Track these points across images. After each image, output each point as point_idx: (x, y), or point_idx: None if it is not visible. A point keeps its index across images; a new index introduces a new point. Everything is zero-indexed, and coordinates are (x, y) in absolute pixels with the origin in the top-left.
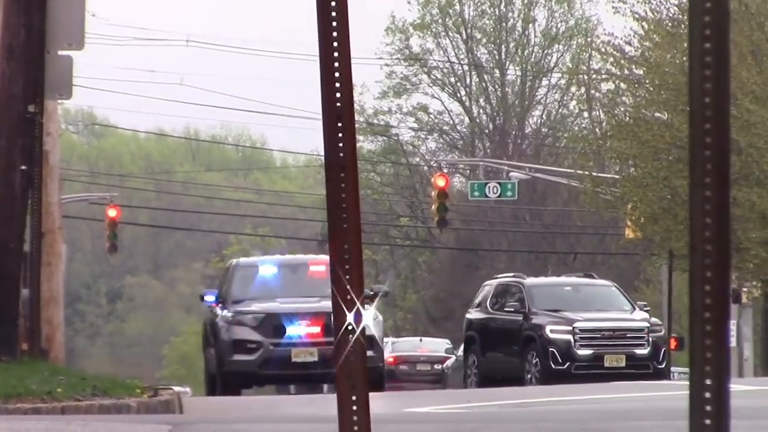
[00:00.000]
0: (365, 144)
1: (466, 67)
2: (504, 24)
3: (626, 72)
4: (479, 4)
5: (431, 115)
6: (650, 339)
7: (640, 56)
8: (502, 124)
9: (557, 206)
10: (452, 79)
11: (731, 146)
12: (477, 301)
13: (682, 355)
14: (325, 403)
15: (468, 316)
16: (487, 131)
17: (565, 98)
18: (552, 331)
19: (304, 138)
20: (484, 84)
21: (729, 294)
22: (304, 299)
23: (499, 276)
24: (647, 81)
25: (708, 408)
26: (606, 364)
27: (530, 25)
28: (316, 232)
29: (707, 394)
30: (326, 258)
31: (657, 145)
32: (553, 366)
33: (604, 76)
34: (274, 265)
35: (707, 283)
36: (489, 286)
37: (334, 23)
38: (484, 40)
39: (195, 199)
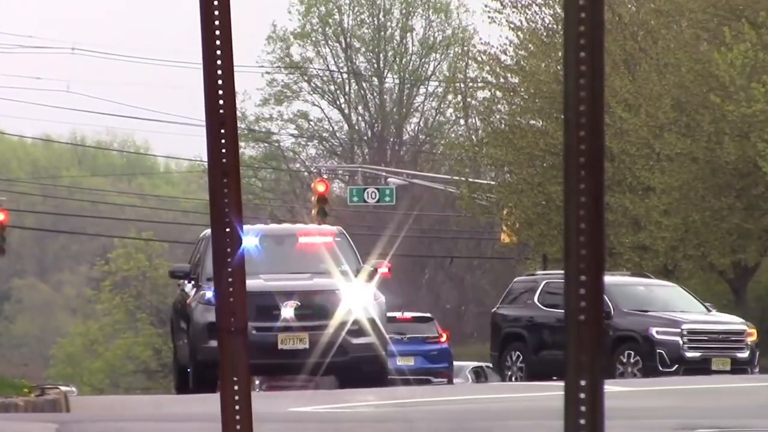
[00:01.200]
0: (247, 150)
1: (345, 76)
2: (382, 33)
3: (502, 80)
4: (358, 13)
5: (311, 122)
6: (747, 342)
7: (516, 65)
8: (381, 131)
9: (434, 211)
10: (332, 87)
11: (605, 153)
12: (513, 297)
13: None
14: (212, 402)
15: (502, 312)
16: (365, 138)
17: (442, 106)
18: (659, 333)
19: (187, 144)
20: (363, 92)
21: (603, 297)
22: (292, 276)
23: (538, 273)
24: (522, 89)
25: (583, 408)
26: (713, 368)
27: (408, 34)
28: (199, 236)
29: (582, 395)
30: (318, 228)
31: (532, 152)
32: (660, 368)
33: (480, 85)
34: (255, 236)
35: (582, 287)
36: (531, 282)
37: (217, 32)
38: (363, 49)
39: (81, 204)
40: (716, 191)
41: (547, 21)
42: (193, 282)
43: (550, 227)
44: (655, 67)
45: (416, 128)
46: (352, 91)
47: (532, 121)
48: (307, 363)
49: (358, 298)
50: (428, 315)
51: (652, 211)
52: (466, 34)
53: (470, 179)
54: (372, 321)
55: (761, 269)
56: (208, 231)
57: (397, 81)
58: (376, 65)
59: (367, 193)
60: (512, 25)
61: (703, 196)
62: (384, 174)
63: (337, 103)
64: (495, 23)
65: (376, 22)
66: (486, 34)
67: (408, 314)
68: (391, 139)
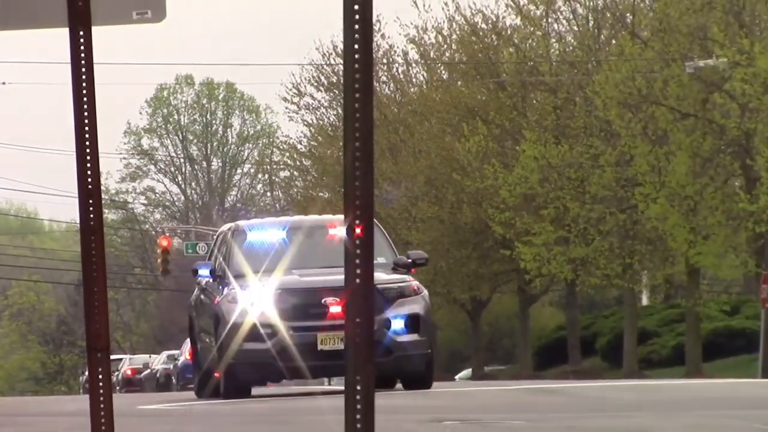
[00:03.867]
0: (109, 215)
1: (182, 160)
2: (210, 128)
3: (298, 163)
4: (191, 114)
5: (157, 194)
6: None
7: (309, 152)
8: (208, 201)
9: None
10: (172, 168)
11: (374, 216)
12: None
13: None
14: (82, 401)
15: None
16: (197, 206)
17: (253, 182)
18: None
19: (65, 210)
20: (195, 172)
21: (373, 324)
22: (327, 270)
23: None
24: (313, 170)
25: (359, 406)
26: None
27: (228, 129)
28: (74, 278)
29: (358, 396)
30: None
31: None
32: None
33: (282, 167)
34: (282, 229)
35: (358, 316)
36: None
37: (87, 128)
38: (195, 140)
39: None
40: (458, 245)
41: (331, 119)
42: (218, 280)
43: None
44: (412, 153)
45: (235, 199)
46: (187, 171)
47: (321, 194)
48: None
49: (401, 292)
50: None
51: None
52: (271, 129)
53: None
54: (416, 317)
55: (492, 303)
56: (230, 224)
57: (220, 164)
58: (205, 152)
59: (199, 246)
60: (306, 123)
61: (448, 249)
62: (211, 233)
63: (176, 180)
64: (293, 121)
65: (204, 120)
66: (286, 128)
67: None
68: (216, 207)
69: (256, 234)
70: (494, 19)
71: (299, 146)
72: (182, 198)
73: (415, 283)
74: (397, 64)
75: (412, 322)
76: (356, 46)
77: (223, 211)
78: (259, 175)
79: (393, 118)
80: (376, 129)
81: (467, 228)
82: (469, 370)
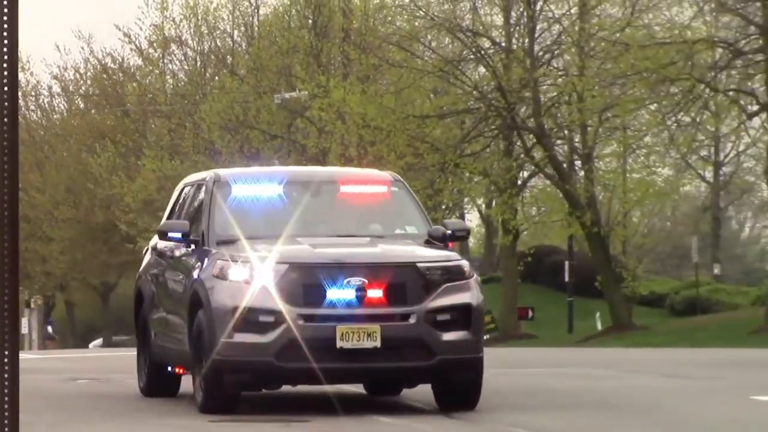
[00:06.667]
0: None
1: None
2: None
3: None
4: None
5: None
6: None
7: None
8: None
9: None
10: None
11: (19, 218)
12: None
13: None
14: None
15: None
16: None
17: None
18: None
19: None
20: None
21: (18, 308)
22: (345, 240)
23: None
24: None
25: (6, 368)
26: None
27: None
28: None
29: (6, 360)
30: (365, 173)
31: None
32: None
33: None
34: (278, 183)
35: (5, 296)
36: None
37: None
38: None
39: None
40: (92, 240)
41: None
42: (194, 246)
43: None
44: (55, 167)
45: None
46: None
47: None
48: (378, 367)
49: (448, 275)
50: None
51: (53, 251)
52: None
53: None
54: (467, 308)
55: (119, 286)
56: (204, 174)
57: None
58: None
59: None
60: None
61: (84, 244)
62: None
63: None
64: None
65: None
66: None
67: None
68: None
69: (244, 188)
70: (121, 60)
71: None
72: None
73: (464, 263)
74: (43, 96)
75: (462, 316)
76: (5, 81)
77: None
78: None
79: (39, 139)
80: (24, 148)
81: (99, 227)
82: (101, 339)
